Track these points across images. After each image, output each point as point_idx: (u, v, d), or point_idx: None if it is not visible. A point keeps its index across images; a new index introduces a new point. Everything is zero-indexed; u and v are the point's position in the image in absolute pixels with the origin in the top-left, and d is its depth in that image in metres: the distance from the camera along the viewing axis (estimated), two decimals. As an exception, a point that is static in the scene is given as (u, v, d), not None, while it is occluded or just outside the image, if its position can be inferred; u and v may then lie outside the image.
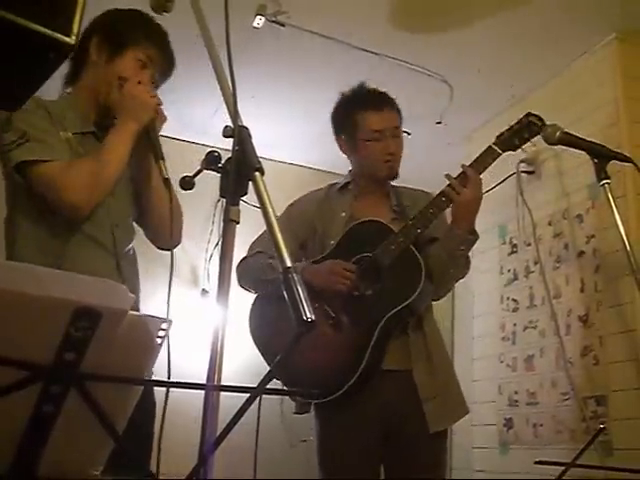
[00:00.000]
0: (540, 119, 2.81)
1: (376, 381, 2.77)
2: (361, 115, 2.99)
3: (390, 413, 2.81)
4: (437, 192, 2.85)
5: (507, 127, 2.84)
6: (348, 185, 3.13)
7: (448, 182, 2.80)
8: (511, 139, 2.83)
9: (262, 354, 2.90)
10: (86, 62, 2.34)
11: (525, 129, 2.82)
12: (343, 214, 3.03)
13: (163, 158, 2.15)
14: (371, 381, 2.77)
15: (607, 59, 3.79)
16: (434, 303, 3.03)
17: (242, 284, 2.97)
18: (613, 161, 2.69)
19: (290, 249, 2.67)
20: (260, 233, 2.99)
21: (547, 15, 3.63)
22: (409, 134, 3.05)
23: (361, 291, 2.84)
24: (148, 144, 2.23)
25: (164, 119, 2.31)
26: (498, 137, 2.84)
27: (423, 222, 2.79)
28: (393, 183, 3.09)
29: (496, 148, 2.82)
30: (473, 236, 2.83)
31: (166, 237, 2.26)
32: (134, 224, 2.44)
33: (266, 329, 2.92)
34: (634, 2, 3.50)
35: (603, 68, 3.80)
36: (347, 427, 2.81)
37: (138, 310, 2.21)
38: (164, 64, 2.41)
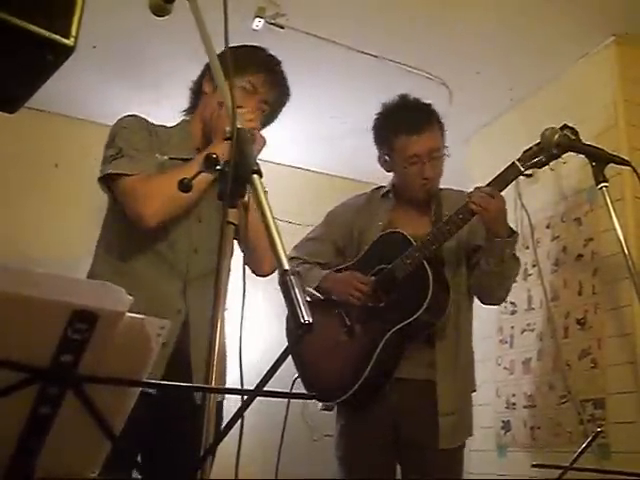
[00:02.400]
0: (575, 132, 2.68)
1: (397, 389, 2.83)
2: (398, 139, 2.95)
3: (407, 421, 2.84)
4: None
5: (536, 142, 2.71)
6: (389, 193, 3.13)
7: (465, 202, 2.75)
8: (537, 155, 2.72)
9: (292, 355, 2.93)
10: (200, 94, 2.51)
11: (556, 145, 2.66)
12: (380, 223, 3.05)
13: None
14: (380, 390, 2.82)
15: (606, 62, 3.79)
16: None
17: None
18: (611, 164, 2.69)
19: (328, 256, 2.69)
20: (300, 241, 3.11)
21: (546, 18, 3.64)
22: (448, 156, 2.98)
23: (375, 302, 2.87)
24: None
25: (263, 142, 2.35)
26: (525, 152, 2.74)
27: (439, 239, 2.78)
28: None
29: (519, 165, 2.73)
30: (512, 237, 2.80)
31: (257, 266, 2.34)
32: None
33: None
34: (633, 5, 3.51)
35: (602, 71, 3.81)
36: (364, 427, 2.87)
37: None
38: (274, 89, 2.49)
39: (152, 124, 2.45)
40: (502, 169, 2.78)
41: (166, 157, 2.36)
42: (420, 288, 2.77)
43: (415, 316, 2.74)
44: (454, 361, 2.89)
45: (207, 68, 2.48)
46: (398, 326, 2.78)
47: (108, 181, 2.29)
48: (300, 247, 3.13)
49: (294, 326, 1.10)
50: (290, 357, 2.88)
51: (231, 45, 2.42)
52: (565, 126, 2.71)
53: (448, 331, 2.89)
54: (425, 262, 2.79)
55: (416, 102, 3.04)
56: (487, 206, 2.69)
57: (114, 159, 2.26)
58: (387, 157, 3.04)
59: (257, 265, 2.33)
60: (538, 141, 2.72)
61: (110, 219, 2.42)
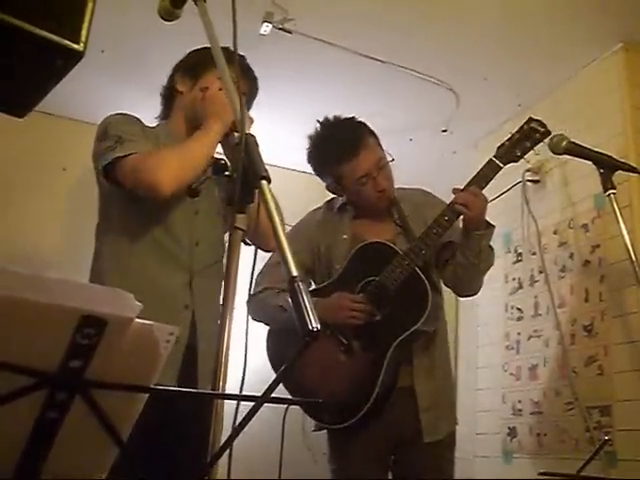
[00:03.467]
0: (542, 124, 2.77)
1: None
2: (340, 167, 2.93)
3: (394, 429, 2.84)
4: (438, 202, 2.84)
5: (508, 136, 2.81)
6: (346, 205, 3.12)
7: (450, 202, 2.77)
8: (512, 150, 2.79)
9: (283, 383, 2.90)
10: (174, 96, 2.55)
11: (527, 137, 2.78)
12: (345, 236, 3.03)
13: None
14: (388, 401, 2.80)
15: (614, 68, 3.79)
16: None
17: (255, 319, 2.96)
18: (619, 171, 2.68)
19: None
20: (263, 266, 2.99)
21: (554, 24, 3.63)
22: (393, 160, 2.95)
23: (370, 317, 2.84)
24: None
25: (251, 120, 2.33)
26: (499, 148, 2.81)
27: (428, 243, 2.78)
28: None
29: (497, 161, 2.78)
30: (489, 229, 2.82)
31: (267, 240, 2.28)
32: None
33: (278, 354, 2.97)
34: (641, 12, 3.50)
35: (609, 77, 3.80)
36: (357, 442, 2.85)
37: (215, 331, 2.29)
38: (246, 82, 2.50)
39: (140, 120, 2.47)
40: (480, 167, 2.82)
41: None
42: (417, 296, 2.77)
43: (421, 321, 2.74)
44: (430, 360, 2.89)
45: (175, 71, 2.58)
46: (401, 337, 2.76)
47: (111, 170, 2.27)
48: (267, 274, 2.98)
49: (302, 333, 1.10)
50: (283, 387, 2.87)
51: (199, 47, 2.52)
52: (531, 119, 2.80)
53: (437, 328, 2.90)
54: (417, 269, 2.78)
55: (340, 123, 3.00)
56: (474, 206, 2.72)
57: (114, 147, 2.25)
58: (335, 184, 3.02)
59: (267, 239, 2.31)
60: (510, 135, 2.81)
61: (112, 213, 2.41)
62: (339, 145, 2.91)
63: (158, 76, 4.12)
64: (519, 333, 4.15)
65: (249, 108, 2.55)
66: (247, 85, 2.51)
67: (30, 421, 1.03)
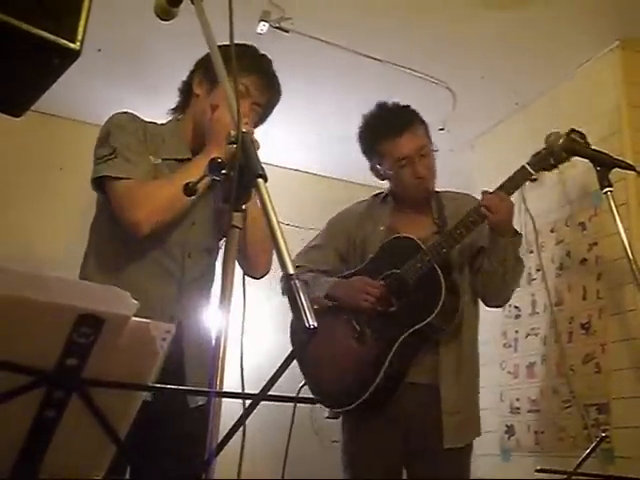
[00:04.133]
0: (582, 136, 2.71)
1: (401, 393, 2.83)
2: (383, 145, 2.98)
3: (411, 425, 2.85)
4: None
5: (545, 146, 2.74)
6: (388, 197, 3.15)
7: (476, 206, 2.77)
8: (547, 158, 2.74)
9: (297, 361, 2.91)
10: (190, 96, 2.48)
11: (564, 148, 2.70)
12: (382, 227, 3.06)
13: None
14: (392, 394, 2.82)
15: (610, 67, 3.79)
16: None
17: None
18: (616, 169, 2.68)
19: (332, 263, 2.67)
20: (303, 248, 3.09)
21: (550, 23, 3.63)
22: (436, 150, 3.03)
23: (386, 307, 2.87)
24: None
25: (257, 145, 2.33)
26: (534, 156, 2.77)
27: (449, 242, 2.80)
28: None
29: (529, 168, 2.75)
30: (515, 237, 2.83)
31: (252, 268, 2.29)
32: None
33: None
34: (637, 10, 3.50)
35: (606, 76, 3.80)
36: (371, 432, 2.88)
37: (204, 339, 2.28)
38: (267, 92, 2.46)
39: (144, 121, 2.42)
40: (512, 173, 2.80)
41: (159, 159, 2.34)
42: (432, 292, 2.78)
43: (427, 320, 2.75)
44: (457, 364, 2.89)
45: (196, 69, 2.49)
46: (410, 330, 2.78)
47: (101, 183, 2.27)
48: (303, 255, 3.11)
49: (299, 331, 1.10)
50: (296, 363, 2.89)
51: (223, 44, 2.46)
52: (573, 130, 2.72)
53: (451, 335, 2.89)
54: (436, 266, 2.79)
55: (393, 106, 3.05)
56: (498, 210, 2.72)
57: (109, 159, 2.23)
58: (378, 165, 3.06)
59: (252, 267, 2.29)
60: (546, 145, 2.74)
61: (101, 222, 2.39)
62: (386, 122, 2.98)
63: (155, 76, 4.13)
64: (517, 331, 4.15)
65: (264, 120, 2.53)
66: (262, 94, 2.46)
67: (27, 420, 1.03)
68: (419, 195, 3.01)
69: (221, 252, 2.55)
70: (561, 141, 2.70)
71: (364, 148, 3.09)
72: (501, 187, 2.78)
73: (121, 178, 2.21)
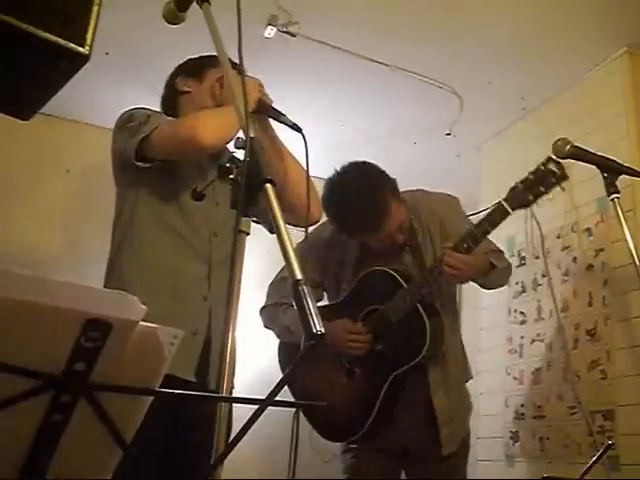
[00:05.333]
0: (560, 167, 2.60)
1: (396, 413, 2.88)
2: (361, 236, 2.94)
3: (407, 439, 2.91)
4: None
5: (521, 179, 2.66)
6: None
7: (438, 261, 2.75)
8: (524, 194, 2.65)
9: (290, 388, 2.91)
10: (177, 98, 2.61)
11: (541, 181, 2.62)
12: (350, 257, 3.05)
13: (283, 113, 2.36)
14: (386, 425, 2.87)
15: (618, 72, 3.79)
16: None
17: (267, 327, 3.09)
18: (622, 175, 2.68)
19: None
20: (274, 278, 3.06)
21: (558, 29, 3.63)
22: (411, 219, 2.97)
23: (371, 346, 2.90)
24: (267, 117, 2.42)
25: (270, 100, 2.45)
26: (511, 191, 2.69)
27: (429, 281, 2.79)
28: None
29: (506, 206, 2.67)
30: (490, 273, 2.85)
31: (304, 213, 2.25)
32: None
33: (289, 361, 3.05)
34: (645, 16, 3.50)
35: (614, 81, 3.80)
36: (368, 451, 2.94)
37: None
38: None
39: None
40: (488, 211, 2.74)
41: None
42: (417, 329, 2.80)
43: (416, 360, 2.78)
44: (444, 375, 2.92)
45: (173, 76, 2.67)
46: (399, 370, 2.82)
47: (147, 143, 2.26)
48: (277, 288, 3.04)
49: (306, 337, 1.10)
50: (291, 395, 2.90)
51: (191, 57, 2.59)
52: (550, 160, 2.63)
53: (437, 354, 2.90)
54: (419, 306, 2.80)
55: (362, 190, 2.81)
56: (459, 274, 2.70)
57: (145, 123, 2.27)
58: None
59: (303, 215, 2.28)
60: (524, 177, 2.66)
61: (129, 207, 2.41)
62: (362, 219, 2.81)
63: (162, 79, 4.13)
64: (522, 337, 4.14)
65: None
66: None
67: (35, 423, 1.03)
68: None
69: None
70: (568, 148, 2.69)
71: (336, 224, 2.96)
72: (478, 225, 2.71)
73: (159, 126, 2.27)
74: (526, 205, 2.67)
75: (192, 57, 2.68)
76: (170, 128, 2.28)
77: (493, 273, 2.85)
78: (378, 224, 2.79)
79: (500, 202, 2.68)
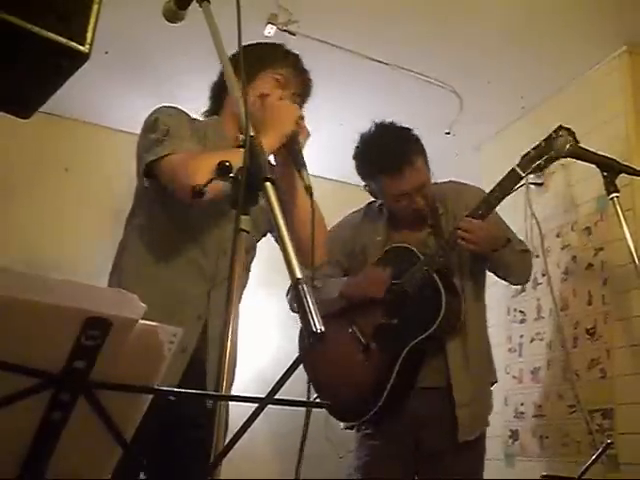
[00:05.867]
0: (571, 133, 2.65)
1: (412, 399, 2.86)
2: (382, 179, 2.93)
3: (424, 429, 2.86)
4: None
5: (533, 146, 2.72)
6: (383, 207, 3.13)
7: (454, 229, 2.79)
8: (535, 159, 2.70)
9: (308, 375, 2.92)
10: (224, 94, 2.43)
11: (552, 147, 2.66)
12: (379, 238, 3.07)
13: (305, 166, 2.17)
14: (402, 403, 2.84)
15: (617, 71, 3.79)
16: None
17: (293, 310, 2.99)
18: (622, 174, 2.68)
19: (336, 276, 2.62)
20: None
21: (558, 28, 3.63)
22: (435, 183, 2.99)
23: (389, 319, 2.89)
24: (291, 158, 2.24)
25: (307, 134, 2.33)
26: (523, 157, 2.74)
27: (445, 250, 2.83)
28: None
29: (519, 170, 2.72)
30: (508, 245, 2.84)
31: (306, 256, 2.11)
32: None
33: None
34: (645, 15, 3.50)
35: (613, 81, 3.80)
36: (384, 438, 2.89)
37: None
38: (301, 84, 2.49)
39: (187, 114, 2.40)
40: (502, 176, 2.78)
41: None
42: (433, 300, 2.79)
43: (431, 330, 2.76)
44: (464, 359, 2.88)
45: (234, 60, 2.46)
46: (415, 341, 2.79)
47: (154, 166, 2.19)
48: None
49: (306, 335, 1.10)
50: (307, 376, 2.89)
51: (252, 43, 2.45)
52: (561, 127, 2.69)
53: (456, 334, 2.89)
54: (435, 275, 2.80)
55: (394, 131, 2.95)
56: (473, 238, 2.73)
57: (161, 142, 2.18)
58: (374, 189, 3.04)
59: (304, 255, 2.25)
60: (536, 144, 2.72)
61: (139, 215, 2.36)
62: (386, 155, 2.87)
63: (161, 77, 4.14)
64: (522, 336, 4.15)
65: (301, 107, 2.49)
66: (299, 84, 2.49)
67: (34, 422, 1.03)
68: (413, 221, 3.02)
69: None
70: (568, 146, 2.70)
71: (360, 171, 3.04)
72: (493, 191, 2.77)
73: (170, 154, 2.17)
74: (537, 169, 2.74)
75: (252, 44, 2.42)
76: (171, 164, 2.16)
77: (510, 251, 2.84)
78: (403, 162, 2.83)
79: (513, 168, 2.74)
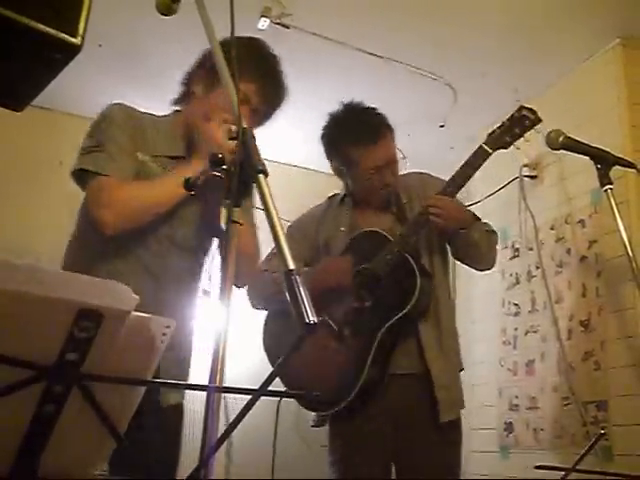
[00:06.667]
0: (533, 112, 2.79)
1: (388, 385, 2.83)
2: (352, 152, 2.91)
3: (401, 415, 2.84)
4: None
5: (499, 124, 2.83)
6: (345, 198, 3.13)
7: (424, 207, 2.80)
8: (502, 137, 2.81)
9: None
10: (189, 91, 2.40)
11: (517, 124, 2.80)
12: (343, 228, 3.05)
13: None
14: (379, 388, 2.82)
15: (610, 64, 3.79)
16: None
17: (254, 305, 3.03)
18: (616, 166, 2.68)
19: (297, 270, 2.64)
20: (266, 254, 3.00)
21: (551, 20, 3.63)
22: (404, 158, 3.01)
23: (360, 302, 2.87)
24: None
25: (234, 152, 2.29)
26: (489, 135, 2.84)
27: (416, 230, 2.83)
28: None
29: (486, 147, 2.81)
30: (475, 223, 2.87)
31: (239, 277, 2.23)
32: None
33: (276, 344, 2.99)
34: (638, 8, 3.50)
35: (606, 73, 3.80)
36: (359, 429, 2.85)
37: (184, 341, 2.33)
38: (266, 98, 2.36)
39: (139, 113, 2.35)
40: (469, 155, 2.85)
41: (148, 156, 2.27)
42: (406, 281, 2.78)
43: (407, 309, 2.75)
44: (439, 341, 2.88)
45: (198, 65, 2.40)
46: (391, 321, 2.77)
47: (81, 175, 2.20)
48: (267, 263, 2.93)
49: (299, 326, 1.10)
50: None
51: (226, 38, 2.42)
52: (522, 107, 2.82)
53: (428, 315, 2.88)
54: (407, 255, 2.80)
55: (362, 109, 2.98)
56: (443, 213, 2.76)
57: (92, 152, 2.18)
58: (343, 168, 3.02)
59: (240, 280, 2.33)
60: (501, 123, 2.83)
61: (86, 213, 2.29)
62: (360, 127, 2.91)
63: (155, 71, 4.13)
64: (516, 328, 4.16)
65: (265, 122, 2.41)
66: (265, 100, 2.36)
67: (27, 414, 1.03)
68: (382, 199, 3.01)
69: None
70: (561, 139, 2.70)
71: (328, 149, 3.03)
72: (462, 167, 2.83)
73: (100, 174, 2.15)
74: (504, 146, 2.82)
75: (229, 41, 2.36)
76: (90, 189, 2.18)
77: (478, 229, 2.86)
78: (379, 133, 2.88)
79: (480, 145, 2.84)
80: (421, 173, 3.15)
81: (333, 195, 3.21)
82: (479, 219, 2.94)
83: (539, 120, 2.79)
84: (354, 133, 2.91)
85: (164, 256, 2.29)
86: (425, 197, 2.87)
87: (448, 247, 2.99)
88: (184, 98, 2.46)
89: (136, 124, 2.32)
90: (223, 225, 1.37)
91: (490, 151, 2.80)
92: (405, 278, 2.79)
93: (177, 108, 2.49)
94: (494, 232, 2.99)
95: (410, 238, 2.82)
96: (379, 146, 2.88)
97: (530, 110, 2.79)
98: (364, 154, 2.89)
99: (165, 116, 2.47)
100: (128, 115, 2.31)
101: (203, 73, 2.35)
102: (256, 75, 2.32)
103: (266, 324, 3.05)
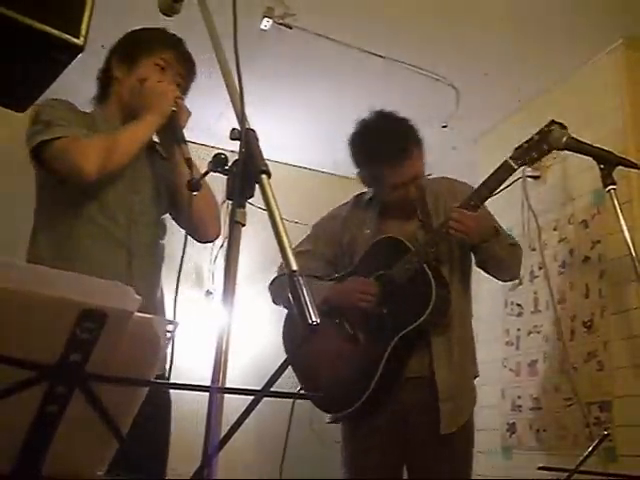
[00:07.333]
0: (563, 127, 2.68)
1: (399, 389, 2.85)
2: (378, 168, 2.90)
3: (410, 418, 2.86)
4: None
5: (526, 139, 2.73)
6: (372, 199, 3.12)
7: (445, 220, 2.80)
8: (528, 152, 2.72)
9: (293, 367, 2.92)
10: (111, 81, 2.49)
11: (545, 140, 2.69)
12: (368, 231, 3.05)
13: (185, 141, 2.23)
14: (390, 393, 2.83)
15: (614, 65, 3.79)
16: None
17: (276, 302, 3.07)
18: (619, 167, 2.68)
19: (319, 270, 2.68)
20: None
21: (554, 21, 3.63)
22: (430, 175, 3.00)
23: (377, 309, 2.88)
24: (172, 135, 2.30)
25: (188, 113, 2.37)
26: (516, 149, 2.76)
27: (436, 240, 2.83)
28: None
29: (511, 162, 2.74)
30: (497, 237, 2.85)
31: (204, 230, 2.36)
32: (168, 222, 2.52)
33: (292, 342, 3.00)
34: (641, 8, 3.50)
35: (610, 74, 3.80)
36: (371, 429, 2.87)
37: (154, 311, 2.30)
38: (184, 65, 2.49)
39: (74, 106, 2.43)
40: (495, 168, 2.79)
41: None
42: (422, 291, 2.78)
43: (419, 321, 2.76)
44: (449, 352, 2.88)
45: (112, 53, 2.51)
46: (404, 332, 2.79)
47: (39, 154, 2.23)
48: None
49: (302, 327, 1.10)
50: (292, 370, 2.89)
51: (136, 28, 2.50)
52: (553, 122, 2.71)
53: (443, 325, 2.88)
54: (425, 266, 2.80)
55: (396, 123, 2.92)
56: (464, 228, 2.74)
57: (42, 130, 2.21)
58: (369, 179, 3.02)
59: (202, 230, 2.36)
60: (530, 137, 2.73)
61: (47, 197, 2.35)
62: (387, 146, 2.85)
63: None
64: (519, 329, 4.15)
65: (185, 94, 2.51)
66: (182, 67, 2.49)
67: (30, 415, 1.03)
68: (408, 208, 3.01)
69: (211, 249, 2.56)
70: (565, 139, 2.70)
71: (355, 158, 3.00)
72: (485, 182, 2.79)
73: (58, 137, 2.19)
74: (531, 162, 2.76)
75: (134, 30, 2.54)
76: (56, 150, 2.20)
77: (500, 243, 2.85)
78: (404, 154, 2.83)
79: (506, 160, 2.75)
80: (450, 180, 3.13)
81: (360, 194, 3.21)
82: (502, 232, 2.92)
83: (570, 136, 2.68)
84: (381, 150, 2.87)
85: (129, 226, 2.32)
86: (450, 207, 2.85)
87: (472, 256, 2.99)
88: (107, 89, 2.52)
89: (74, 111, 2.40)
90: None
91: (515, 167, 2.74)
92: (422, 288, 2.79)
93: (101, 104, 2.54)
94: (517, 245, 3.00)
95: (430, 248, 2.82)
96: (404, 166, 2.85)
97: (560, 125, 2.68)
98: (388, 173, 2.88)
99: (92, 111, 2.52)
100: (64, 102, 2.39)
101: (119, 58, 2.47)
102: (172, 45, 2.47)
103: (285, 323, 3.07)
